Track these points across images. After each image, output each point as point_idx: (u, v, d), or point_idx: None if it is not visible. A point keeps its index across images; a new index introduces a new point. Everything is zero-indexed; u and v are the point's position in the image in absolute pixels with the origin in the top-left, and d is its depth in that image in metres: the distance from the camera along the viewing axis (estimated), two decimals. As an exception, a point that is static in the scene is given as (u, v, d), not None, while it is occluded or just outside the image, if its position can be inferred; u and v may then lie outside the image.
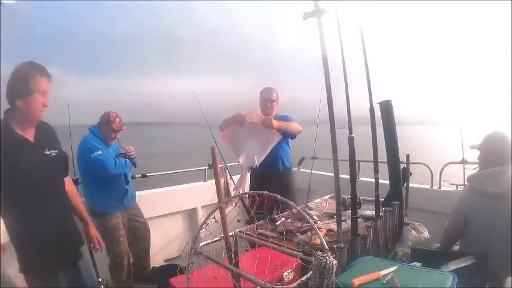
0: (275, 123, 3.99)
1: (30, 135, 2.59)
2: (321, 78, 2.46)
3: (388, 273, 2.04)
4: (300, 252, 2.33)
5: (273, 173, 4.52)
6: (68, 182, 3.06)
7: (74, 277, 2.87)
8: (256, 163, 3.81)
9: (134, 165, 4.61)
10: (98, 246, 3.18)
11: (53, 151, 2.71)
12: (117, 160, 4.22)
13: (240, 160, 3.88)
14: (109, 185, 4.25)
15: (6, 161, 2.40)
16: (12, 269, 2.80)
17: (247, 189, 4.19)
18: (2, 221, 2.63)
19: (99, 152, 4.08)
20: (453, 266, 2.70)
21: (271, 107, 4.59)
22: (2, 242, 2.77)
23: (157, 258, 5.25)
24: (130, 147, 4.62)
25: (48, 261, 2.64)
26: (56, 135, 2.91)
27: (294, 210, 2.20)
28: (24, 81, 2.45)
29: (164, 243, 5.57)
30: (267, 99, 4.60)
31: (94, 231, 3.20)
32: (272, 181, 4.31)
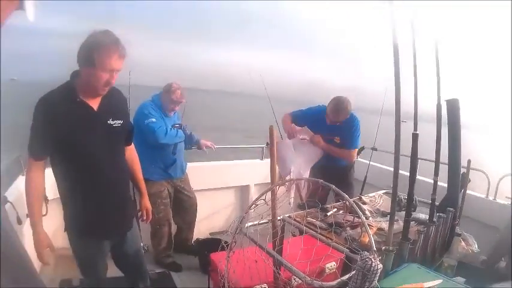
0: (322, 145, 4.18)
1: (95, 102, 2.54)
2: (390, 68, 2.38)
3: (432, 287, 1.99)
4: (346, 248, 2.30)
5: (333, 166, 4.46)
6: (131, 150, 3.04)
7: (119, 244, 2.91)
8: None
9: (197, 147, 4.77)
10: (145, 218, 3.19)
11: (117, 121, 2.65)
12: (169, 130, 4.23)
13: (290, 174, 3.95)
14: (157, 152, 4.29)
15: (66, 123, 2.40)
16: (53, 225, 2.86)
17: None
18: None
19: (153, 120, 4.12)
20: (496, 288, 2.61)
21: (334, 122, 4.34)
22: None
23: (203, 229, 5.30)
24: (212, 144, 4.88)
25: (96, 228, 2.67)
26: (126, 105, 2.93)
27: (346, 202, 2.16)
28: (90, 52, 2.33)
29: (212, 216, 5.62)
30: (331, 118, 4.33)
31: (147, 203, 3.18)
32: (331, 174, 4.01)
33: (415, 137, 2.52)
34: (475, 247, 3.28)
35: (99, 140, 2.55)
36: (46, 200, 2.71)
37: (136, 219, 3.15)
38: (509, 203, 4.61)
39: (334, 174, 4.13)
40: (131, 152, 3.04)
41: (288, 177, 3.99)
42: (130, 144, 3.03)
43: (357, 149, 4.50)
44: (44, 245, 2.50)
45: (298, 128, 4.23)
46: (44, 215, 2.63)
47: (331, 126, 4.34)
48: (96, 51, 2.32)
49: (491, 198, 4.83)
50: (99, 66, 2.33)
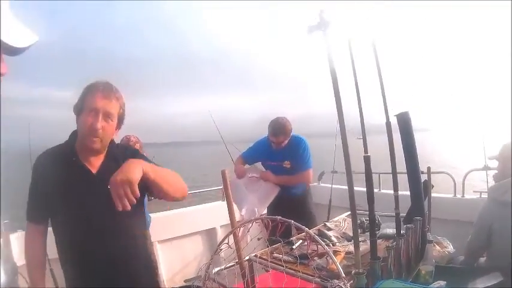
0: (273, 178, 4.21)
1: (94, 164, 2.22)
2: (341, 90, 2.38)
3: (411, 300, 1.95)
4: (317, 277, 2.25)
5: (289, 197, 4.43)
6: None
7: None
8: (257, 215, 3.90)
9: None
10: None
11: None
12: None
13: (242, 213, 4.06)
14: None
15: (59, 185, 2.12)
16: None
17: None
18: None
19: None
20: (480, 284, 2.59)
21: (278, 145, 4.38)
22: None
23: (177, 278, 5.22)
24: None
25: None
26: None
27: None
28: (79, 99, 2.15)
29: (184, 263, 5.55)
30: (273, 141, 4.37)
31: None
32: (288, 205, 4.27)
33: (367, 159, 2.52)
34: (450, 248, 3.30)
35: (97, 207, 2.12)
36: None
37: None
38: (478, 196, 4.66)
39: (291, 205, 4.27)
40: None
41: (242, 216, 4.03)
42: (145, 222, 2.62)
43: (311, 169, 4.44)
44: None
45: (246, 167, 4.33)
46: None
47: (278, 152, 4.42)
48: (83, 94, 2.15)
49: (459, 196, 4.87)
50: (84, 108, 2.11)
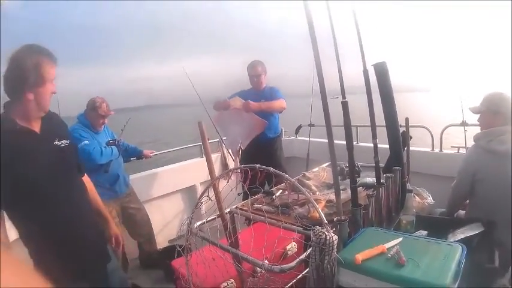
0: (255, 105, 4.32)
1: (36, 126, 2.29)
2: (311, 51, 2.32)
3: (393, 246, 1.92)
4: (298, 226, 2.28)
5: (259, 141, 4.56)
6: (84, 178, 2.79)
7: (101, 282, 2.62)
8: (241, 146, 4.11)
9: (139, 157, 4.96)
10: (114, 245, 2.93)
11: (63, 141, 2.42)
12: (103, 149, 4.09)
13: (227, 144, 4.09)
14: (97, 173, 4.03)
15: (10, 156, 2.06)
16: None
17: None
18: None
19: (86, 142, 3.95)
20: (460, 234, 2.61)
21: (258, 81, 4.95)
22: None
23: (160, 239, 5.22)
24: (151, 154, 5.11)
25: (70, 269, 2.25)
26: (66, 126, 2.64)
27: (289, 182, 2.11)
28: (36, 70, 2.13)
29: (166, 223, 5.56)
30: (253, 75, 4.93)
31: (114, 229, 2.95)
32: (258, 149, 4.56)
33: (344, 104, 2.45)
34: (430, 199, 3.31)
35: (50, 163, 2.28)
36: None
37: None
38: (456, 151, 4.69)
39: (260, 149, 4.63)
40: (85, 180, 2.79)
41: (236, 149, 4.20)
42: (84, 174, 2.80)
43: (283, 98, 4.83)
44: None
45: (230, 100, 4.42)
46: None
47: (255, 95, 4.81)
48: (42, 65, 2.17)
49: (437, 150, 4.91)
50: (48, 79, 2.20)
